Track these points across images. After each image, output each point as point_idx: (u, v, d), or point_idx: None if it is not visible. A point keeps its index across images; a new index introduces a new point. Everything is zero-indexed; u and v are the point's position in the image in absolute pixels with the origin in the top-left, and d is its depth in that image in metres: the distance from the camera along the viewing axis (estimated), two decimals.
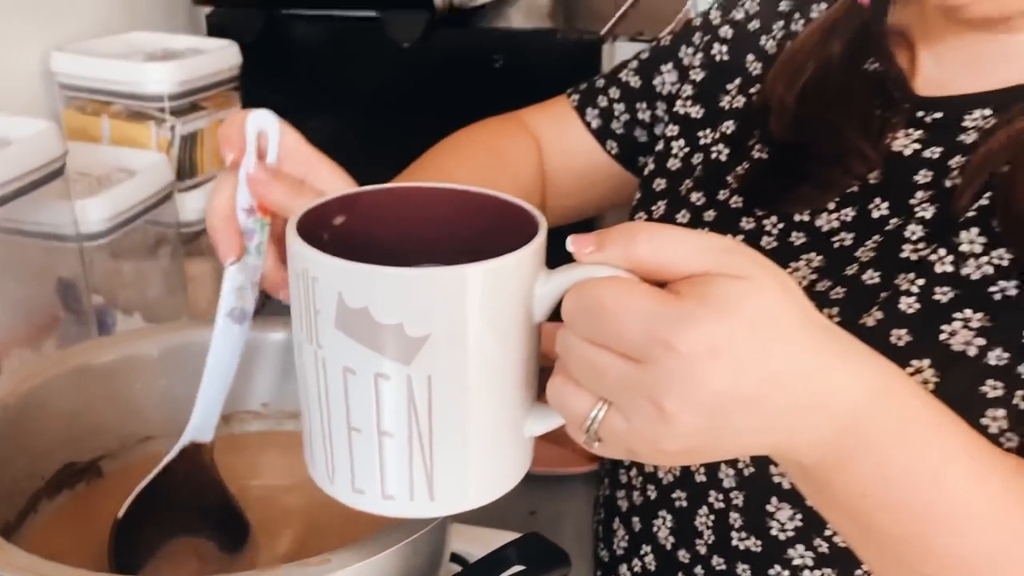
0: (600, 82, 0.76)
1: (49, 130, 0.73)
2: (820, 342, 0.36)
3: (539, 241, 0.38)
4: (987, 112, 0.53)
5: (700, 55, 0.70)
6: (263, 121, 0.49)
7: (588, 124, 0.75)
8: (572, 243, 0.36)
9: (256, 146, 0.49)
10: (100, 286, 0.87)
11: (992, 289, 0.48)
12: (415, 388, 0.37)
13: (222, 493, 0.53)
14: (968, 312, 0.49)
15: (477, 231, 0.42)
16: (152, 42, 1.00)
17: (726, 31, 0.69)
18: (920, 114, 0.56)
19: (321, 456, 0.41)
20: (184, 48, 0.98)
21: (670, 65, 0.72)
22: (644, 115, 0.73)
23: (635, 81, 0.74)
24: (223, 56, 0.97)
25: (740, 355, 0.34)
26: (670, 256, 0.35)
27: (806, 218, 0.58)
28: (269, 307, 1.24)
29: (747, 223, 0.60)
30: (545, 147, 0.76)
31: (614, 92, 0.74)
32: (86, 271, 0.81)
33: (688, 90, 0.69)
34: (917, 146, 0.55)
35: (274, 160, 0.50)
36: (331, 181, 0.51)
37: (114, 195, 0.81)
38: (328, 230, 0.43)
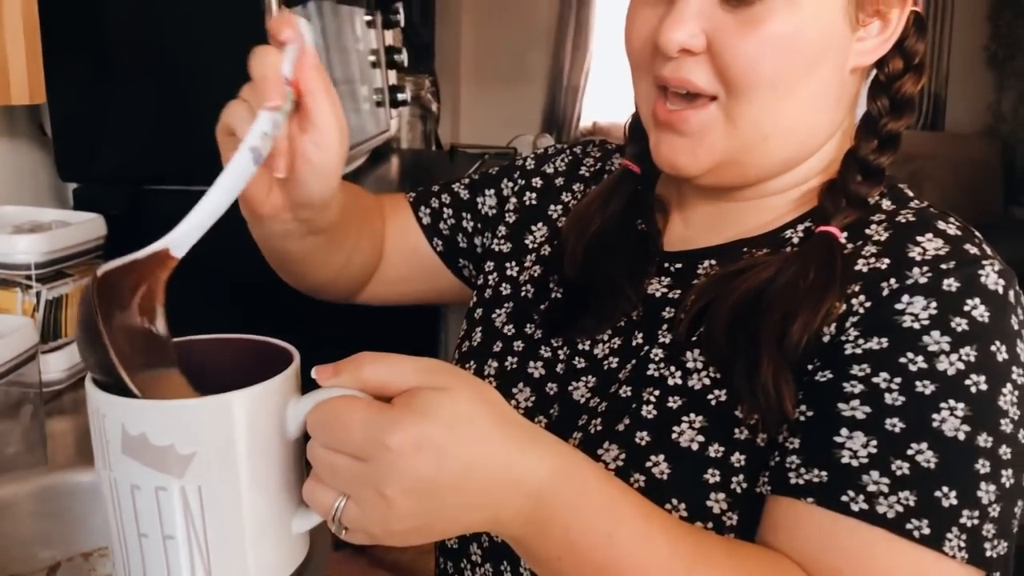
0: (435, 188, 0.88)
1: None
2: (510, 434, 0.48)
3: (287, 373, 0.49)
4: (713, 261, 0.69)
5: (515, 199, 0.84)
6: (306, 31, 0.57)
7: (420, 220, 0.86)
8: (315, 372, 0.47)
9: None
10: None
11: (709, 397, 0.62)
12: (189, 497, 0.46)
13: (153, 313, 0.53)
14: (692, 415, 0.62)
15: (255, 366, 0.52)
16: (20, 215, 1.07)
17: (537, 181, 0.84)
18: (667, 265, 0.71)
19: (120, 562, 0.49)
20: (51, 221, 1.05)
21: (492, 191, 0.86)
22: (467, 224, 0.86)
23: (464, 194, 0.87)
24: (89, 228, 1.04)
25: (440, 448, 0.45)
26: (388, 376, 0.47)
27: (587, 347, 0.71)
28: None
29: (545, 351, 0.73)
30: (385, 223, 0.86)
31: (445, 198, 0.87)
32: None
33: (503, 230, 0.83)
34: (665, 290, 0.70)
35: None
36: (338, 112, 0.60)
37: None
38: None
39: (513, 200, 0.84)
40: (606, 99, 4.44)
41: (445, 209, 0.86)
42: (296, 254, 0.74)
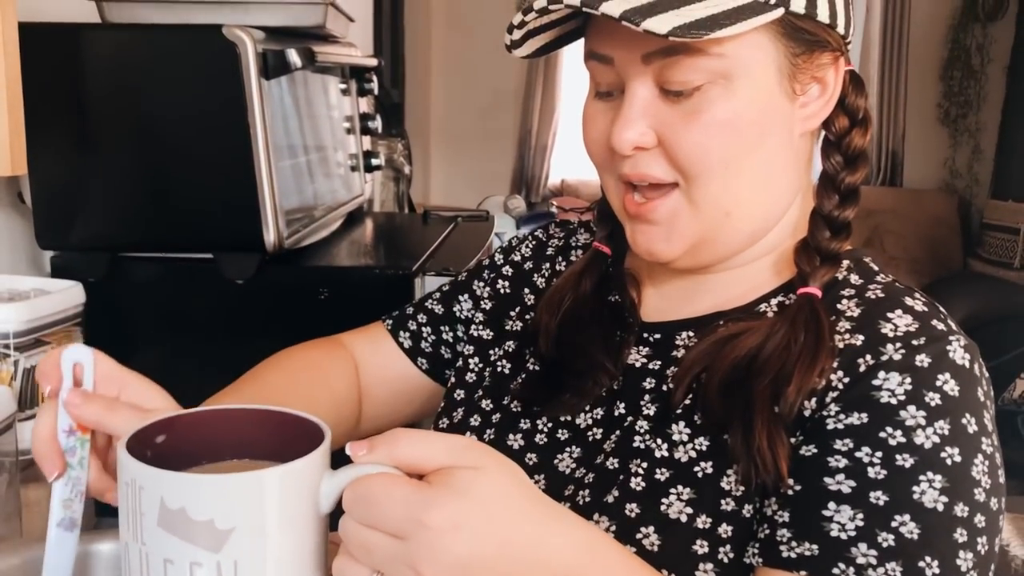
0: (409, 310, 0.91)
1: None
2: (538, 513, 0.49)
3: (324, 448, 0.49)
4: (691, 333, 0.70)
5: (488, 288, 0.87)
6: (77, 354, 0.57)
7: (401, 345, 0.88)
8: (350, 447, 0.48)
9: (72, 375, 0.57)
10: None
11: (696, 469, 0.64)
12: (223, 571, 0.46)
13: None
14: (680, 487, 0.63)
15: (278, 440, 0.53)
16: None
17: (507, 270, 0.87)
18: (646, 335, 0.73)
19: None
20: (30, 289, 1.06)
21: (466, 295, 0.88)
22: (447, 336, 0.88)
23: (438, 308, 0.89)
24: (68, 296, 1.05)
25: (476, 527, 0.46)
26: (423, 454, 0.48)
27: (568, 418, 0.72)
28: (100, 523, 1.26)
29: (524, 423, 0.74)
30: (362, 365, 0.88)
31: (422, 318, 0.89)
32: None
33: (480, 316, 0.85)
34: (644, 360, 0.71)
35: (90, 385, 0.58)
36: (145, 394, 0.59)
37: None
38: (152, 448, 0.52)
39: (488, 290, 0.87)
40: (574, 157, 4.52)
41: (423, 328, 0.89)
42: None
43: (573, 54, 0.67)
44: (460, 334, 0.87)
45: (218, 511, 0.46)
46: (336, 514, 0.49)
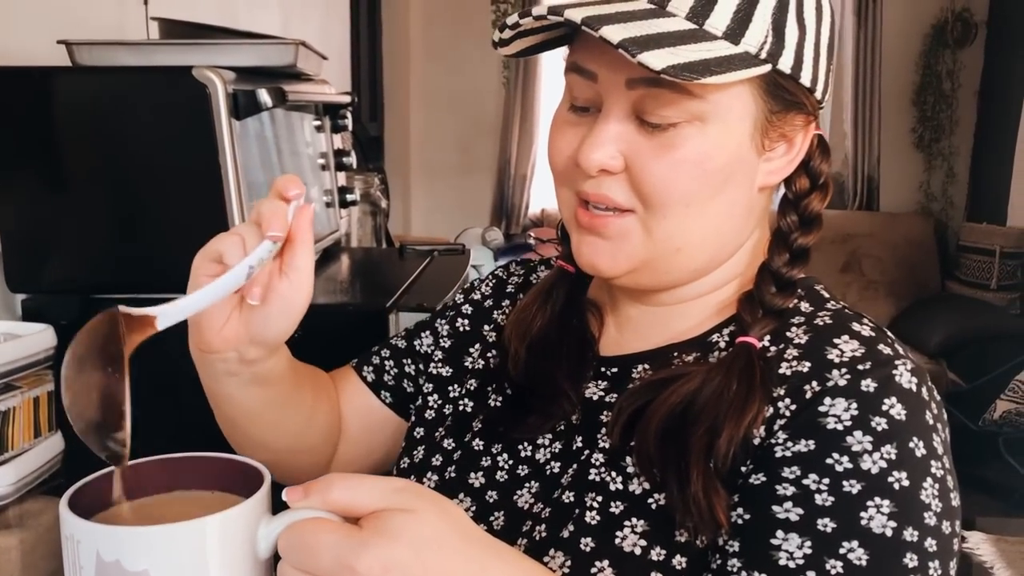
0: (375, 348, 0.91)
1: None
2: (474, 553, 0.50)
3: (260, 494, 0.50)
4: (646, 366, 0.71)
5: (448, 326, 0.87)
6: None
7: (364, 379, 0.89)
8: (286, 493, 0.48)
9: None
10: None
11: (649, 501, 0.64)
12: None
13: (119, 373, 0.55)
14: (634, 520, 0.64)
15: (225, 484, 0.54)
16: None
17: (467, 308, 0.88)
18: (603, 369, 0.73)
19: None
20: (0, 333, 1.06)
21: (427, 332, 0.89)
22: (409, 368, 0.88)
23: (401, 343, 0.90)
24: (38, 340, 1.05)
25: (406, 570, 0.46)
26: (356, 498, 0.48)
27: (529, 453, 0.72)
28: None
29: (486, 461, 0.74)
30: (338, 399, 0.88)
31: (385, 353, 0.90)
32: None
33: (439, 355, 0.86)
34: (601, 393, 0.72)
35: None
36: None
37: None
38: (103, 499, 0.52)
39: (447, 328, 0.88)
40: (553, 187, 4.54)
41: (386, 362, 0.89)
42: (243, 405, 0.74)
43: (551, 81, 0.68)
44: (421, 368, 0.88)
45: (151, 561, 0.46)
46: None
